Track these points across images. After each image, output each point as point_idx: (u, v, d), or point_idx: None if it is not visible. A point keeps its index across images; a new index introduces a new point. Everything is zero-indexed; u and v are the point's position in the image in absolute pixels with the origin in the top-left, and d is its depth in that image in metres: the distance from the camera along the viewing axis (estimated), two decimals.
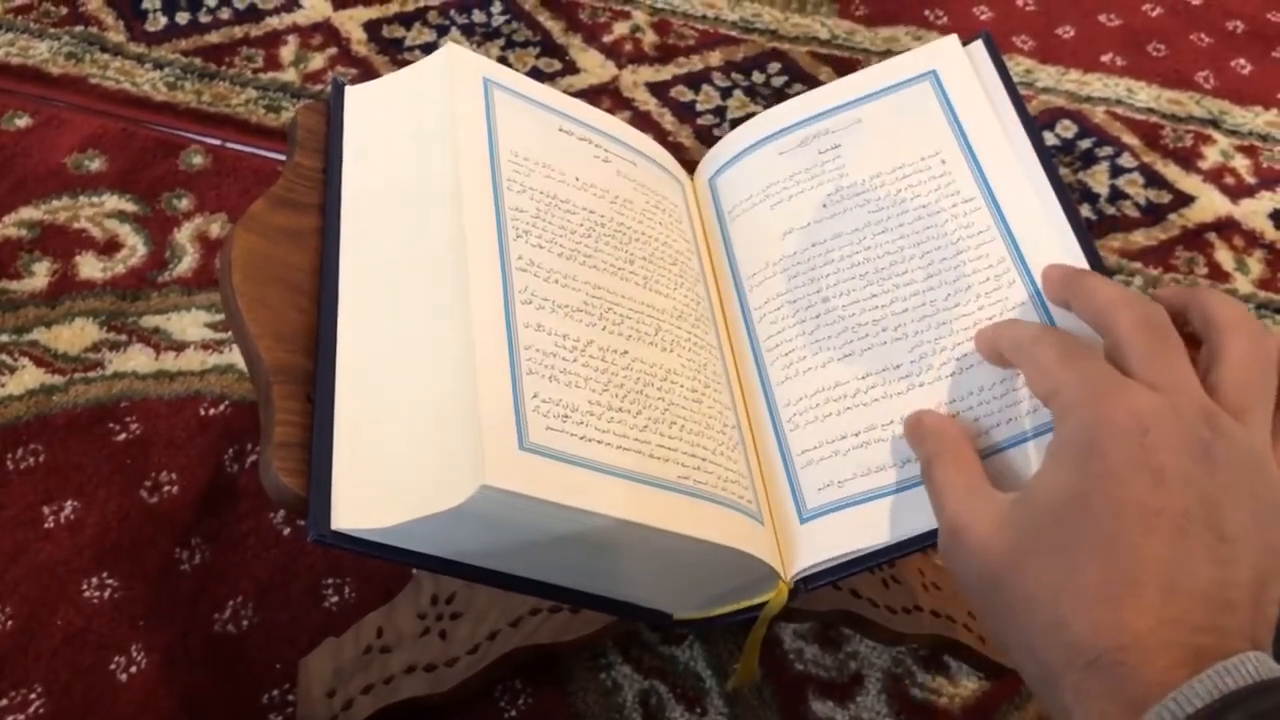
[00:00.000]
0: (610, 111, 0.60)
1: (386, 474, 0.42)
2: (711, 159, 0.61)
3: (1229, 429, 0.36)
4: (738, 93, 1.08)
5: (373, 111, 0.56)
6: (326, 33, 1.10)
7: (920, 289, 0.51)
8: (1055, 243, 0.50)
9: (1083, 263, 0.48)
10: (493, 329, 0.44)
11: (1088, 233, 0.49)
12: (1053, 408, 0.38)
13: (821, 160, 0.57)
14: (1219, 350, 0.40)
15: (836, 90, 0.59)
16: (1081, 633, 0.33)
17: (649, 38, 1.13)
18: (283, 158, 0.55)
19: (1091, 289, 0.42)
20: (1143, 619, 0.32)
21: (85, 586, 0.72)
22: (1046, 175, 0.52)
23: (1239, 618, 0.33)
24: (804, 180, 0.56)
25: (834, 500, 0.47)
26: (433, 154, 0.51)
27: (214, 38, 1.08)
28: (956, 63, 0.57)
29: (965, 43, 0.57)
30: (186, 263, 0.89)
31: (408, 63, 0.56)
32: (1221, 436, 0.36)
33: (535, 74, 1.07)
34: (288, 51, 1.08)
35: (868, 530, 0.45)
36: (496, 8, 1.14)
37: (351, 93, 0.57)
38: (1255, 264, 0.98)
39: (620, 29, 1.14)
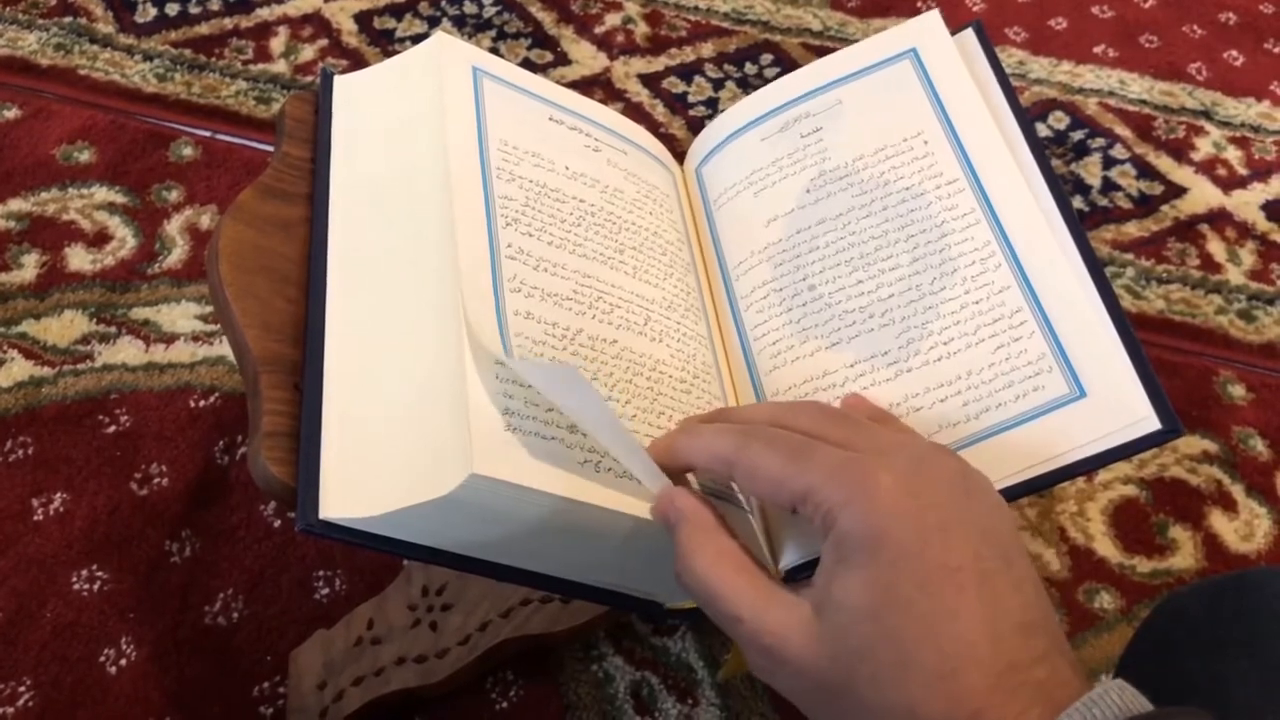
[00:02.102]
0: (602, 103, 0.60)
1: (375, 463, 0.42)
2: (697, 148, 0.61)
3: (956, 454, 0.38)
4: (730, 84, 1.08)
5: (361, 101, 0.55)
6: (317, 24, 1.10)
7: (906, 274, 0.50)
8: (1040, 225, 0.49)
9: (1071, 249, 0.48)
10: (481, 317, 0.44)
11: (1080, 224, 0.49)
12: (807, 510, 0.37)
13: (803, 144, 0.56)
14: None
15: (816, 72, 0.58)
16: (936, 714, 0.33)
17: (641, 29, 1.13)
18: (272, 149, 0.54)
19: (746, 452, 0.39)
20: (983, 678, 0.32)
21: (75, 579, 0.72)
22: (1039, 167, 0.51)
23: (1047, 634, 0.34)
24: (786, 166, 0.56)
25: None
26: (421, 142, 0.51)
27: (204, 29, 1.08)
28: (937, 40, 0.56)
29: (955, 32, 0.57)
30: (176, 254, 0.89)
31: (399, 54, 0.56)
32: (964, 463, 0.37)
33: (527, 65, 1.07)
34: (278, 43, 1.07)
35: None
36: None
37: (340, 82, 0.56)
38: (1247, 255, 0.98)
39: (612, 20, 1.13)
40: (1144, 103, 1.10)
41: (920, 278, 0.50)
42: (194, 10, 1.09)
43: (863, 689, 0.34)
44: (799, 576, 0.46)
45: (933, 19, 0.57)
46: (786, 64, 1.10)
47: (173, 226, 0.91)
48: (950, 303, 0.49)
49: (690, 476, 0.44)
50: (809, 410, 0.41)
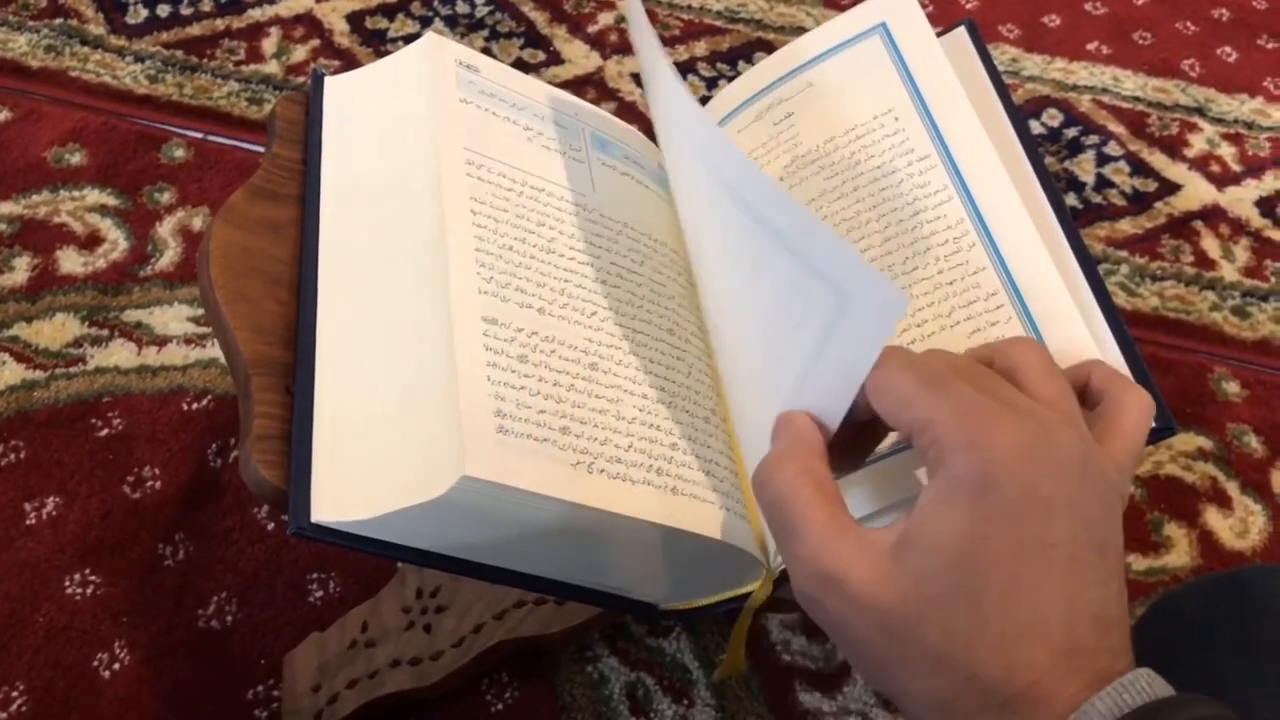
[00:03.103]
0: (596, 102, 0.60)
1: (367, 466, 0.42)
2: None
3: (1088, 435, 0.36)
4: (723, 83, 1.08)
5: (352, 102, 0.55)
6: (309, 25, 1.09)
7: (878, 254, 0.49)
8: (1015, 203, 0.48)
9: (1064, 247, 0.47)
10: (473, 319, 0.44)
11: (1073, 222, 0.49)
12: (922, 442, 0.35)
13: (776, 132, 0.55)
14: (1017, 366, 0.38)
15: (787, 56, 0.57)
16: (995, 677, 0.33)
17: None
18: (264, 150, 0.54)
19: (882, 368, 0.37)
20: (1048, 654, 0.33)
21: (68, 583, 0.71)
22: (1032, 165, 0.50)
23: (1118, 633, 0.34)
24: (761, 156, 0.55)
25: None
26: (412, 144, 0.51)
27: (195, 30, 1.07)
28: (907, 11, 0.54)
29: (948, 30, 0.56)
30: (168, 257, 0.89)
31: (390, 54, 0.56)
32: (1090, 447, 0.36)
33: (520, 65, 1.07)
34: (270, 44, 1.07)
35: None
36: None
37: (331, 83, 0.56)
38: (1241, 252, 0.98)
39: (605, 19, 1.13)
40: (1137, 100, 1.10)
41: (892, 258, 0.49)
42: (185, 11, 1.09)
43: (929, 635, 0.33)
44: None
45: None
46: None
47: (165, 228, 0.90)
48: (923, 283, 0.47)
49: None
50: (951, 353, 0.39)
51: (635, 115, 1.04)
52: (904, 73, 0.53)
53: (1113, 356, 0.45)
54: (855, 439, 0.40)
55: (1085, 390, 0.40)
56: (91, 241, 0.89)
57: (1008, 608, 0.33)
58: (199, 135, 0.98)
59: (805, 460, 0.37)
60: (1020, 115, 0.52)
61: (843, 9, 1.15)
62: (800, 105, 0.55)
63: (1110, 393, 0.39)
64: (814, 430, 0.38)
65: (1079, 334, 0.45)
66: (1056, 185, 0.52)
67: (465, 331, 0.43)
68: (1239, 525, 0.81)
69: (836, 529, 0.35)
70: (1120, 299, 0.93)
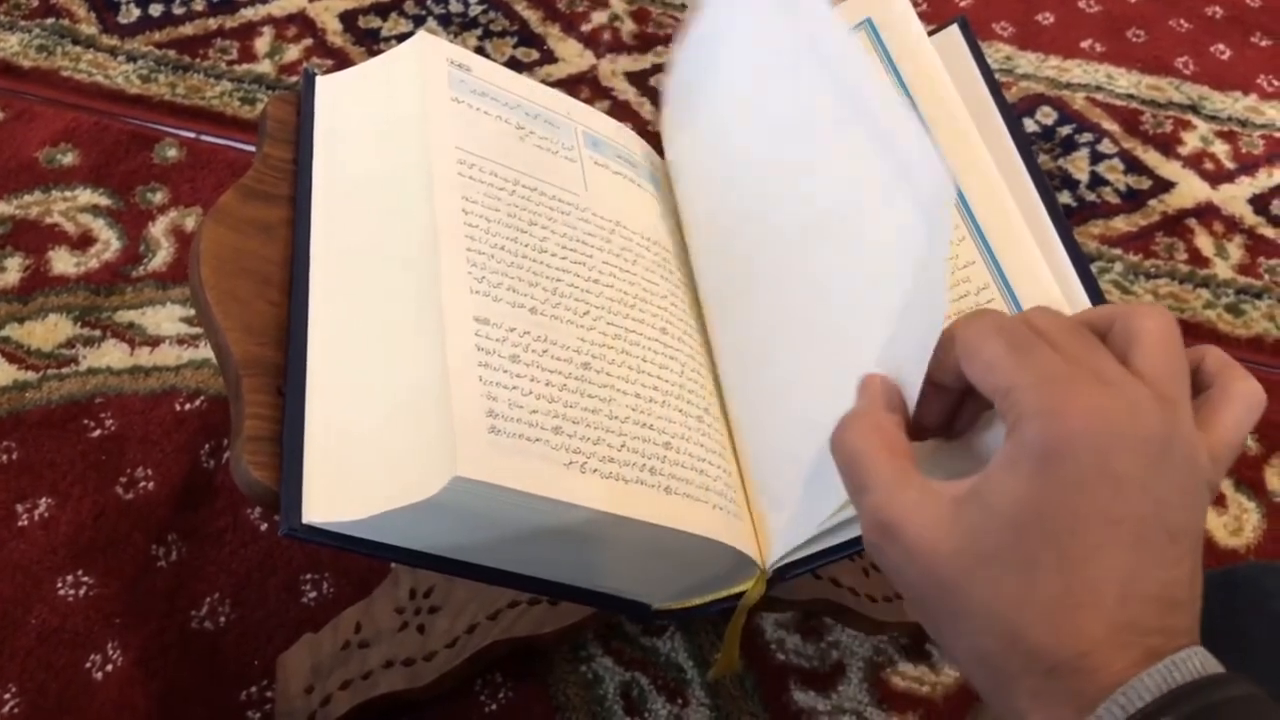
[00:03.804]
0: (589, 101, 0.60)
1: (358, 466, 0.42)
2: (666, 144, 0.60)
3: (1184, 420, 0.36)
4: None
5: (344, 101, 0.55)
6: (302, 24, 1.09)
7: None
8: (1004, 195, 0.48)
9: (1056, 245, 0.47)
10: (464, 319, 0.44)
11: (1066, 220, 0.48)
12: (1003, 406, 0.35)
13: None
14: (1135, 335, 0.37)
15: None
16: (1042, 642, 0.33)
17: (627, 26, 1.12)
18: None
19: (971, 329, 0.38)
20: (1100, 626, 0.32)
21: (60, 585, 0.71)
22: (1025, 163, 0.50)
23: (1183, 615, 0.33)
24: None
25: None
26: (403, 143, 0.51)
27: (188, 29, 1.07)
28: (892, 6, 0.54)
29: (941, 27, 0.56)
30: (161, 257, 0.88)
31: (382, 53, 0.55)
32: (1179, 429, 0.35)
33: (513, 64, 1.06)
34: (263, 43, 1.07)
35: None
36: None
37: (322, 83, 0.56)
38: (1235, 249, 0.98)
39: (598, 18, 1.13)
40: (1131, 97, 1.10)
41: None
42: (178, 11, 1.09)
43: (976, 591, 0.33)
44: (787, 576, 0.46)
45: None
46: None
47: (157, 229, 0.90)
48: None
49: None
50: (1051, 314, 0.38)
51: (629, 114, 1.04)
52: (890, 68, 0.53)
53: None
54: (956, 409, 0.40)
55: (1196, 374, 0.39)
56: (84, 242, 0.89)
57: (1062, 575, 0.33)
58: (192, 135, 0.98)
59: (875, 417, 0.38)
60: (1013, 113, 0.52)
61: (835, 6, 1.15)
62: None
63: (1220, 380, 0.39)
64: (889, 390, 0.39)
65: None
66: (1050, 183, 0.52)
67: (457, 331, 0.43)
68: (1233, 523, 0.81)
69: (900, 482, 0.36)
70: (1114, 297, 0.93)
